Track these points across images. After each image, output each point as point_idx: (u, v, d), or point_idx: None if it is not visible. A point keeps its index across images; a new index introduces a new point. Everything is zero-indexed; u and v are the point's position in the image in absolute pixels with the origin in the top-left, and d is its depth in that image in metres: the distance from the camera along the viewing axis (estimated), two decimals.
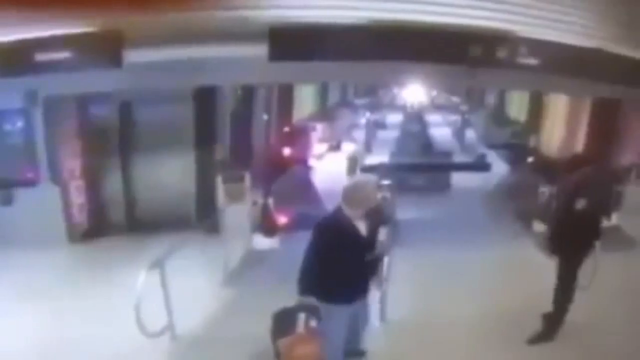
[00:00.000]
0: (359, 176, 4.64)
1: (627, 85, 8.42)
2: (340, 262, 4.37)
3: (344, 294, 4.52)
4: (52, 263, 7.99)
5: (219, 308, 6.76)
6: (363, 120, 23.18)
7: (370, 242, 4.59)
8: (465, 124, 23.23)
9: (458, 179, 13.93)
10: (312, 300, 4.37)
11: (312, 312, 4.36)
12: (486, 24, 7.56)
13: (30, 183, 9.17)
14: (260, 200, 9.65)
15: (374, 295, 5.35)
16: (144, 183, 9.93)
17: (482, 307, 6.49)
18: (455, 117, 26.19)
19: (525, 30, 7.69)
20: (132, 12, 6.94)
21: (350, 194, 4.47)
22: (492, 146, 17.81)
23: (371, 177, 4.69)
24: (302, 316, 4.32)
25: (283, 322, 4.40)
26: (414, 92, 28.54)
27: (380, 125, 24.69)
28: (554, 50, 7.76)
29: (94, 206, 9.80)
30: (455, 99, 30.22)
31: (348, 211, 4.46)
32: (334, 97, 25.32)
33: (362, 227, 4.52)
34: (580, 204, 5.63)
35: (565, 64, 7.84)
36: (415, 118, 25.65)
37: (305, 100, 20.15)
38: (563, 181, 6.16)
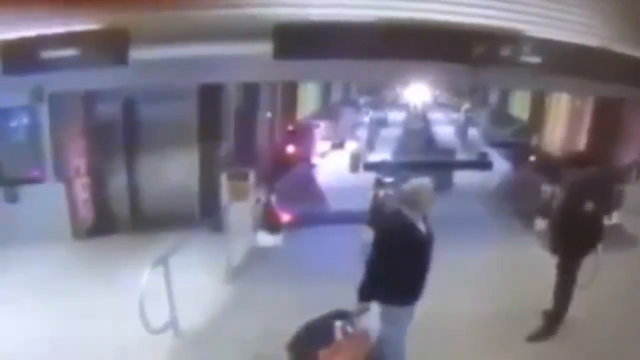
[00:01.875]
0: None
1: (631, 84, 8.42)
2: (407, 263, 4.47)
3: (410, 293, 4.61)
4: (57, 259, 8.03)
5: (221, 304, 6.80)
6: (366, 118, 23.18)
7: (429, 240, 4.70)
8: (468, 122, 23.23)
9: (460, 177, 13.89)
10: (366, 306, 4.43)
11: (344, 318, 4.43)
12: (490, 22, 7.58)
13: (36, 180, 9.17)
14: (263, 198, 9.67)
15: None
16: (148, 180, 9.95)
17: (483, 305, 6.52)
18: (457, 116, 26.17)
19: (529, 29, 7.71)
20: (138, 10, 6.99)
21: (411, 196, 4.61)
22: (495, 144, 17.80)
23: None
24: (338, 324, 4.37)
25: (317, 333, 4.46)
26: (417, 90, 28.46)
27: (383, 123, 24.64)
28: (558, 49, 7.77)
29: (99, 203, 9.82)
30: (458, 98, 30.17)
31: (409, 213, 4.57)
32: (337, 95, 25.31)
33: (422, 227, 4.64)
34: (585, 203, 5.65)
35: (568, 62, 7.86)
36: (418, 116, 25.58)
37: (308, 98, 20.17)
38: (569, 180, 6.15)
